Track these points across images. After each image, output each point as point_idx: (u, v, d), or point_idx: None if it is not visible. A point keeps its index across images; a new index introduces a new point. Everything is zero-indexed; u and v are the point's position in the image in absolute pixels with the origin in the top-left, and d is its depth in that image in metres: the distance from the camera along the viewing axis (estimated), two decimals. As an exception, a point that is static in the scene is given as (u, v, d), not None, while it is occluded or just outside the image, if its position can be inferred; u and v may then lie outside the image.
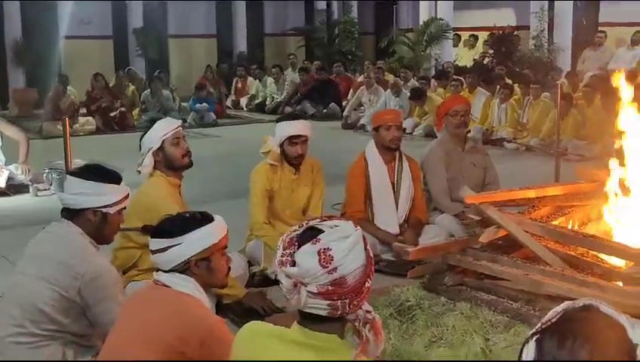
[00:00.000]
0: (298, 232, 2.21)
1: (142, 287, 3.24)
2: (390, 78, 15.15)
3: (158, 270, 2.88)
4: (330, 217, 2.28)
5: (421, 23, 17.66)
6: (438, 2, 17.52)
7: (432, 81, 14.46)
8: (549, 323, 1.83)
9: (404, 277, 4.74)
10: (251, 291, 4.80)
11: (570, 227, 4.54)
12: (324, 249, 2.13)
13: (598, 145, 10.44)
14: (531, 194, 4.72)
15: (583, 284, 3.94)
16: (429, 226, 5.95)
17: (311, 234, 2.17)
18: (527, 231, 4.28)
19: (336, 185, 6.12)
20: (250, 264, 5.34)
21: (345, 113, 14.47)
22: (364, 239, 2.20)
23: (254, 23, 21.03)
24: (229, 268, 3.03)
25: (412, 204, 5.95)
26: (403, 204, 5.92)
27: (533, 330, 1.85)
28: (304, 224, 2.23)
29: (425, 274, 4.63)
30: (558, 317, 1.84)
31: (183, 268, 2.82)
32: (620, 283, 3.94)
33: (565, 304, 1.86)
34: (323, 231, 2.16)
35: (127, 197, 3.49)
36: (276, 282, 5.16)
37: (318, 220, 2.23)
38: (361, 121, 13.74)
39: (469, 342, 3.91)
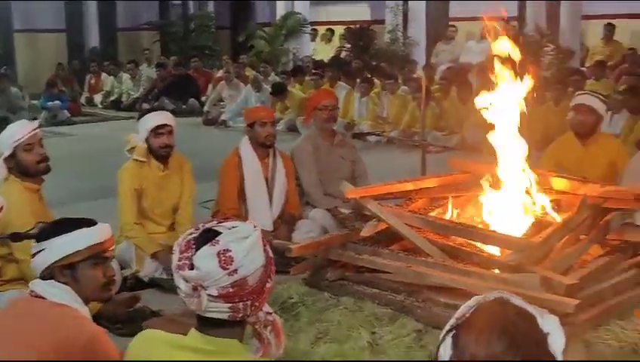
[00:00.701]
0: (195, 235, 2.14)
1: (15, 299, 3.01)
2: (250, 73, 15.08)
3: (22, 279, 2.72)
4: (226, 218, 2.22)
5: (278, 17, 17.67)
6: (295, -4, 17.61)
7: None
8: (464, 318, 1.84)
9: (284, 274, 4.69)
10: (122, 295, 4.60)
11: (447, 218, 4.62)
12: (224, 250, 2.07)
13: (456, 135, 10.81)
14: (409, 186, 4.77)
15: (464, 274, 4.02)
16: (302, 221, 5.96)
17: (209, 236, 2.11)
18: (407, 224, 4.32)
19: (203, 182, 5.97)
20: (121, 267, 5.13)
21: (205, 109, 14.30)
22: (263, 239, 2.15)
23: (106, 17, 20.32)
24: (113, 281, 2.87)
25: (285, 199, 5.94)
26: (277, 200, 5.91)
27: (448, 327, 1.86)
28: (200, 226, 2.16)
29: (307, 270, 4.60)
30: (471, 312, 1.85)
31: (50, 276, 2.66)
32: (497, 271, 4.05)
33: (476, 298, 1.89)
34: (221, 233, 2.10)
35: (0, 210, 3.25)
36: (150, 285, 5.09)
37: (215, 222, 2.17)
38: (223, 117, 13.64)
39: (355, 337, 3.91)
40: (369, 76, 13.07)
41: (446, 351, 1.81)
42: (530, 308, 1.85)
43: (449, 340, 1.81)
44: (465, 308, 1.87)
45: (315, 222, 5.98)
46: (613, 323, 3.93)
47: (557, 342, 1.82)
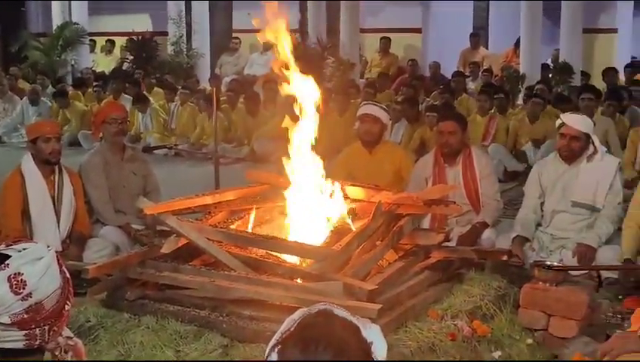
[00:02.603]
0: None
1: None
2: (25, 85, 14.33)
3: None
4: (16, 241, 2.06)
5: (55, 27, 16.91)
6: (72, 6, 16.90)
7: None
8: (289, 332, 1.84)
9: (80, 296, 4.45)
10: None
11: (248, 230, 4.59)
12: (15, 274, 1.94)
13: (246, 147, 10.86)
14: (208, 200, 4.70)
15: (268, 285, 4.01)
16: (92, 240, 5.76)
17: None
18: (208, 238, 4.25)
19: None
20: None
21: (-25, 124, 13.40)
22: (58, 259, 2.04)
23: None
24: None
25: (74, 218, 5.68)
26: (65, 219, 5.66)
27: (273, 341, 1.85)
28: None
29: (104, 291, 4.39)
30: (296, 325, 1.86)
31: None
32: (300, 281, 4.08)
33: (300, 311, 1.90)
34: (10, 256, 1.97)
35: None
36: None
37: (3, 245, 2.03)
38: (-4, 132, 12.87)
39: (159, 356, 3.81)
40: (143, 93, 12.85)
41: (273, 365, 1.80)
42: (354, 319, 1.89)
43: (274, 355, 1.81)
44: (289, 321, 1.88)
45: (107, 240, 5.78)
46: (411, 325, 4.09)
47: (380, 350, 1.87)
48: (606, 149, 5.96)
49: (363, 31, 15.85)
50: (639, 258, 5.26)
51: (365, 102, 7.43)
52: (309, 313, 1.88)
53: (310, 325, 1.84)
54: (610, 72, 13.10)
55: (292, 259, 4.28)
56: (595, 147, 5.52)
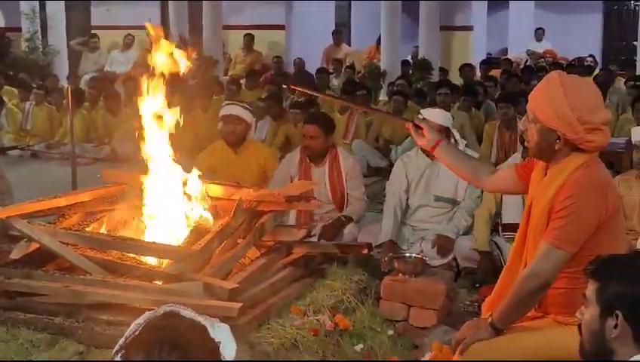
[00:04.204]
0: None
1: None
2: None
3: None
4: None
5: None
6: None
7: None
8: (133, 336, 1.81)
9: None
10: None
11: (104, 232, 4.44)
12: None
13: (106, 146, 10.56)
14: (62, 202, 4.51)
15: (126, 288, 3.88)
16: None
17: None
18: (62, 242, 4.08)
19: None
20: None
21: None
22: None
23: None
24: None
25: None
26: None
27: (117, 347, 1.82)
28: None
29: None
30: (140, 328, 1.83)
31: None
32: (160, 282, 3.98)
33: (146, 314, 1.88)
34: None
35: None
36: None
37: None
38: None
39: (9, 368, 3.61)
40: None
41: (116, 370, 1.76)
42: (202, 319, 1.87)
43: (119, 358, 1.78)
44: (134, 326, 1.86)
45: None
46: (274, 322, 4.06)
47: (228, 349, 1.86)
48: (466, 142, 6.14)
49: (226, 28, 15.74)
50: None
51: (228, 102, 7.33)
52: (154, 315, 1.86)
53: (155, 327, 1.82)
54: (466, 68, 13.59)
55: (151, 261, 4.18)
56: (455, 141, 5.69)
